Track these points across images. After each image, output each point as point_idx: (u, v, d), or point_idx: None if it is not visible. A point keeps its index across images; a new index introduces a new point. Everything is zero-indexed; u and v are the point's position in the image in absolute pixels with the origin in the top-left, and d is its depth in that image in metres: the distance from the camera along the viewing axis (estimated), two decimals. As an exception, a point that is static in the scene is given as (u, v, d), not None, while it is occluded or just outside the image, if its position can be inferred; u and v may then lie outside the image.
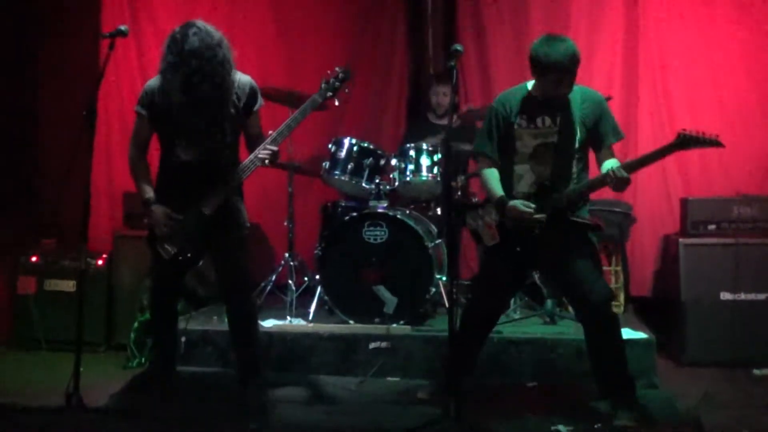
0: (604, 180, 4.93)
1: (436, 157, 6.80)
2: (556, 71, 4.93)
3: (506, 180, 5.20)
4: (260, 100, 5.39)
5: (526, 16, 7.77)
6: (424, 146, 6.84)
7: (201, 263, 5.70)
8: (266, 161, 5.23)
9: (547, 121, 5.11)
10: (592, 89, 5.30)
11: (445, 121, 7.43)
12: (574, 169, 5.12)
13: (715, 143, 4.73)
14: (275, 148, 5.24)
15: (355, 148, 6.91)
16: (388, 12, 8.32)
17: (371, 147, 6.96)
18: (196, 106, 5.08)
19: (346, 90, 5.52)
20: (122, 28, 5.31)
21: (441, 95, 7.58)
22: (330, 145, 7.00)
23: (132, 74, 7.93)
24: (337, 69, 5.50)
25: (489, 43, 7.94)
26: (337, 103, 5.59)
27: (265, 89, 6.30)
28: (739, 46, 7.34)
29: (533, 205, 5.01)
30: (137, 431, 4.99)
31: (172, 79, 5.07)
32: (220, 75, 5.08)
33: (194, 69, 5.00)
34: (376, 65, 8.27)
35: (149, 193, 5.27)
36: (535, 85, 5.16)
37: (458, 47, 5.18)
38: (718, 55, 7.38)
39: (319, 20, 8.26)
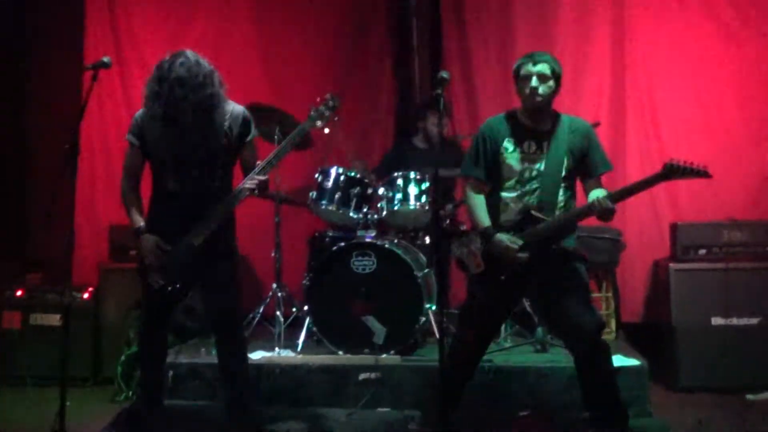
0: (590, 209, 4.91)
1: (424, 186, 6.76)
2: (523, 66, 5.03)
3: (492, 208, 5.17)
4: (254, 131, 5.35)
5: (512, 44, 7.75)
6: (412, 175, 6.80)
7: (189, 295, 5.66)
8: (255, 191, 5.19)
9: (533, 146, 5.10)
10: (580, 119, 5.31)
11: (431, 148, 7.42)
12: (561, 197, 5.10)
13: (702, 174, 4.73)
14: (263, 178, 5.20)
15: (341, 178, 6.87)
16: (374, 41, 8.31)
17: (358, 176, 6.92)
18: (181, 135, 5.05)
19: (336, 118, 5.48)
20: (105, 59, 5.25)
21: (430, 124, 7.52)
22: (317, 175, 6.95)
23: (116, 105, 7.89)
24: (326, 96, 5.46)
25: (475, 69, 7.93)
26: (326, 131, 5.53)
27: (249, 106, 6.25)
28: (726, 70, 7.38)
29: (520, 242, 4.98)
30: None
31: (155, 107, 5.03)
32: (207, 105, 5.04)
33: (178, 98, 4.96)
34: (363, 96, 8.26)
35: (140, 222, 5.21)
36: (521, 109, 5.17)
37: (444, 74, 5.16)
38: (705, 80, 7.41)
39: (305, 49, 8.24)
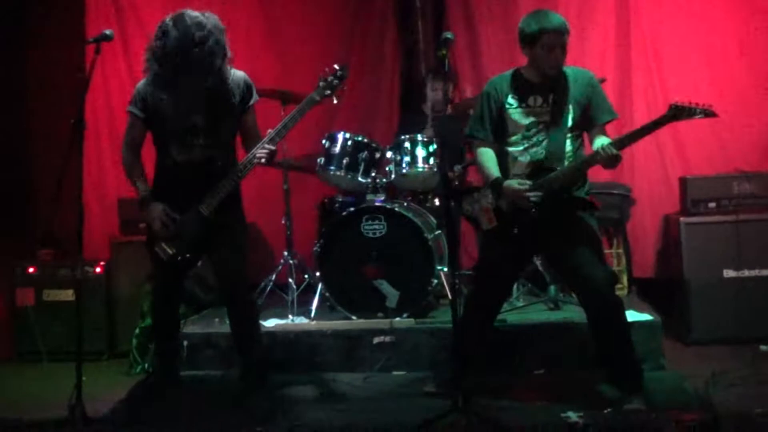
0: (594, 158, 4.90)
1: (432, 148, 6.73)
2: (546, 35, 4.96)
3: (501, 164, 5.18)
4: (255, 96, 5.36)
5: (515, 5, 7.69)
6: (419, 137, 6.77)
7: (200, 266, 5.66)
8: (263, 160, 5.18)
9: (539, 100, 5.11)
10: (583, 69, 5.31)
11: (439, 113, 7.40)
12: (569, 148, 5.10)
13: (708, 113, 4.69)
14: (273, 148, 5.20)
15: (349, 143, 6.84)
16: (377, 7, 8.24)
17: (365, 141, 6.89)
18: (186, 100, 5.07)
19: (344, 87, 5.45)
20: (107, 32, 5.24)
21: (432, 91, 7.51)
22: (324, 141, 6.92)
23: (120, 79, 7.86)
24: (335, 66, 5.41)
25: (479, 32, 7.89)
26: (335, 101, 5.50)
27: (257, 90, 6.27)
28: (732, 23, 7.32)
29: (528, 182, 4.98)
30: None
31: (159, 72, 5.08)
32: (209, 64, 5.05)
33: (180, 61, 4.99)
34: (367, 60, 8.20)
35: (146, 191, 5.23)
36: (527, 65, 5.18)
37: (449, 35, 5.18)
38: (711, 33, 7.37)
39: (308, 18, 8.19)
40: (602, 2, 7.56)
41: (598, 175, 7.04)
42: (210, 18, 5.12)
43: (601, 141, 4.97)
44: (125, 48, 7.85)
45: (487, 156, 5.21)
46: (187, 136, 5.17)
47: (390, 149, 6.87)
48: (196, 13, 5.10)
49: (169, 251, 5.19)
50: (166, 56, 5.04)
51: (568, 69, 5.15)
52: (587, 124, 5.14)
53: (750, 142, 7.26)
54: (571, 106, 5.06)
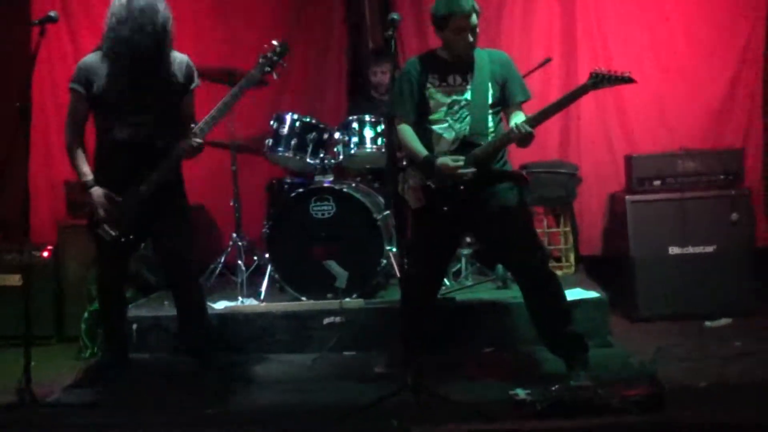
0: (508, 135, 4.98)
1: (380, 129, 6.74)
2: (454, 18, 5.03)
3: (425, 142, 5.21)
4: (197, 80, 5.34)
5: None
6: (367, 118, 6.78)
7: (146, 248, 5.64)
8: (190, 154, 5.22)
9: (458, 79, 5.19)
10: (499, 50, 5.46)
11: (386, 98, 7.41)
12: (491, 124, 5.18)
13: (627, 80, 4.83)
14: (200, 141, 5.19)
15: (297, 124, 6.83)
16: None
17: (313, 122, 6.89)
18: (131, 78, 5.07)
19: (284, 64, 5.45)
20: (52, 14, 5.22)
21: (380, 74, 7.52)
22: (272, 122, 6.91)
23: (66, 61, 7.75)
24: (274, 43, 5.43)
25: (426, 11, 7.85)
26: (275, 77, 5.51)
27: (203, 68, 6.24)
28: (677, 3, 7.37)
29: (462, 158, 5.02)
30: (92, 423, 4.90)
31: (108, 50, 5.08)
32: (157, 45, 5.06)
33: (129, 41, 4.99)
34: (314, 40, 8.16)
35: (88, 175, 5.20)
36: (442, 47, 5.26)
37: (395, 16, 5.17)
38: (655, 13, 7.41)
39: (255, -1, 8.16)
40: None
41: (545, 154, 7.13)
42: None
43: (517, 118, 5.09)
44: (70, 30, 7.76)
45: (410, 134, 5.24)
46: (129, 115, 5.14)
47: (338, 130, 6.87)
48: None
49: (112, 233, 5.15)
50: (116, 36, 5.03)
51: (484, 51, 5.25)
52: (503, 103, 5.22)
53: (694, 120, 7.34)
54: (489, 84, 5.15)
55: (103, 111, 5.21)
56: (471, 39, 5.10)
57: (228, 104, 5.28)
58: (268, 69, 5.40)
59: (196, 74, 5.35)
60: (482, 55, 5.21)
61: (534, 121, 4.91)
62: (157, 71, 5.14)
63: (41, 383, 5.20)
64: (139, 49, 5.03)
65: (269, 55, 5.40)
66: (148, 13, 5.02)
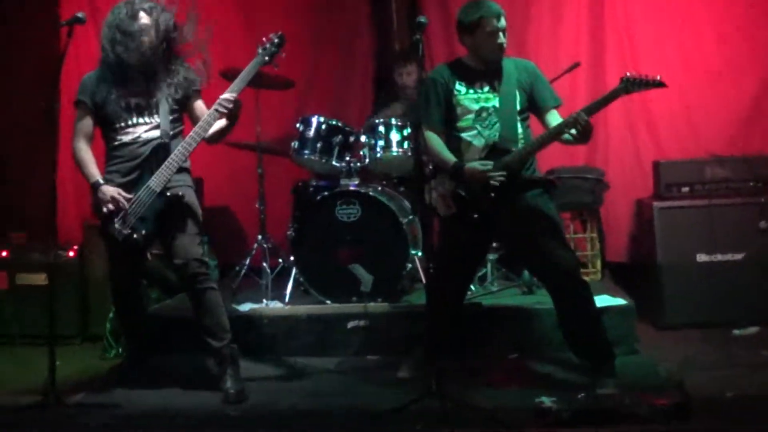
0: (565, 125, 4.92)
1: (406, 132, 6.71)
2: (487, 20, 5.08)
3: (454, 151, 5.21)
4: (199, 78, 5.50)
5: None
6: (393, 121, 6.75)
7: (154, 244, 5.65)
8: (224, 111, 5.21)
9: (485, 86, 5.20)
10: (525, 59, 5.49)
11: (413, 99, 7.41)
12: (520, 131, 5.17)
13: (658, 84, 4.80)
14: (235, 95, 5.22)
15: (323, 127, 6.81)
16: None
17: (339, 124, 6.87)
18: (131, 80, 5.28)
19: (283, 55, 5.47)
20: (79, 15, 5.30)
21: (405, 75, 7.50)
22: (298, 125, 6.89)
23: (93, 62, 7.74)
24: (270, 35, 5.47)
25: (453, 15, 7.82)
26: (275, 68, 5.52)
27: (231, 71, 6.26)
28: (705, 5, 7.32)
29: (491, 163, 5.01)
30: (115, 424, 4.91)
31: (107, 56, 5.29)
32: (150, 44, 5.25)
33: (113, 39, 5.23)
34: (341, 43, 8.17)
35: (96, 176, 5.27)
36: (468, 55, 5.29)
37: (423, 19, 5.17)
38: (684, 18, 7.35)
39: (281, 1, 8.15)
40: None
41: (572, 159, 7.09)
42: (140, 3, 5.31)
43: (554, 119, 5.11)
44: (98, 30, 7.74)
45: (438, 142, 5.25)
46: (131, 116, 5.26)
47: (364, 133, 6.85)
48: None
49: (124, 231, 5.17)
50: (110, 43, 5.25)
51: (510, 60, 5.27)
52: (536, 110, 5.24)
53: (722, 126, 7.27)
54: (517, 92, 5.16)
55: (108, 119, 5.31)
56: (503, 40, 5.13)
57: (236, 89, 5.31)
58: (267, 59, 5.42)
59: (200, 80, 5.46)
60: (508, 64, 5.22)
61: (589, 111, 4.87)
62: (155, 72, 5.29)
63: (66, 383, 5.23)
64: (133, 53, 5.21)
65: (268, 46, 5.44)
66: (131, 16, 5.23)
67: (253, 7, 8.08)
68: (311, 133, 6.80)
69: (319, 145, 6.77)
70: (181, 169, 5.30)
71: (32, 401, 5.06)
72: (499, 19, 5.10)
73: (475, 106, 5.17)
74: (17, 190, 7.76)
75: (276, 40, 5.43)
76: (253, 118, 5.42)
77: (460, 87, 5.21)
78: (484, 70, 5.21)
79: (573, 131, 4.89)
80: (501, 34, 5.12)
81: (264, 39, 5.45)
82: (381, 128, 6.74)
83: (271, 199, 7.30)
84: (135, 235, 5.17)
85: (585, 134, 4.91)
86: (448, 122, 5.25)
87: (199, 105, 5.47)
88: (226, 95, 5.20)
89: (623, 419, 4.39)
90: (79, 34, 5.45)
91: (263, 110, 6.20)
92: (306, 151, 6.79)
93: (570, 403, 4.62)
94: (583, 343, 5.15)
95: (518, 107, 5.15)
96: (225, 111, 5.18)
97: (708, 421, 4.42)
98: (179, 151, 5.22)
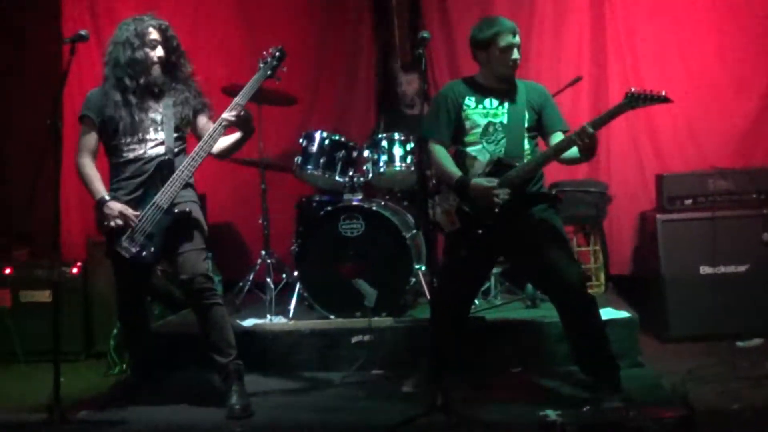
0: (570, 140, 4.89)
1: (409, 147, 6.74)
2: (501, 36, 5.13)
3: (460, 165, 5.23)
4: (202, 98, 5.54)
5: (491, 3, 7.71)
6: (396, 136, 6.78)
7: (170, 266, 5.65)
8: (232, 120, 5.23)
9: (495, 102, 5.22)
10: (535, 82, 5.50)
11: (414, 112, 7.42)
12: (527, 147, 5.20)
13: (662, 99, 4.79)
14: (242, 104, 5.26)
15: (326, 142, 6.83)
16: (352, 5, 8.25)
17: (343, 140, 6.89)
18: (135, 98, 5.31)
19: (284, 68, 5.49)
20: (82, 33, 5.33)
21: (405, 84, 7.56)
22: (301, 140, 6.91)
23: (96, 79, 7.78)
24: (271, 50, 5.49)
25: (455, 30, 7.87)
26: (277, 81, 5.54)
27: (233, 87, 6.29)
28: (707, 20, 7.35)
29: (496, 179, 5.02)
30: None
31: (110, 75, 5.34)
32: (146, 61, 5.29)
33: (121, 55, 5.30)
34: (343, 58, 8.21)
35: (102, 192, 5.28)
36: (480, 72, 5.32)
37: (425, 34, 5.20)
38: (686, 31, 7.38)
39: (283, 14, 8.17)
40: (577, 3, 7.58)
41: (575, 172, 7.10)
42: (149, 20, 5.37)
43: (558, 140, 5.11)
44: (100, 47, 7.76)
45: (444, 155, 5.26)
46: (137, 132, 5.28)
47: (367, 148, 6.87)
48: (142, 15, 5.39)
49: (133, 249, 5.18)
50: (113, 59, 5.33)
51: (520, 81, 5.32)
52: (543, 132, 5.27)
53: (724, 139, 7.29)
54: (526, 110, 5.20)
55: (113, 135, 5.33)
56: (517, 56, 5.17)
57: (251, 89, 5.37)
58: (269, 73, 5.43)
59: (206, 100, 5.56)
60: (520, 84, 5.27)
61: (595, 125, 4.83)
62: (162, 92, 5.34)
63: (70, 399, 5.23)
64: (140, 70, 5.27)
65: (269, 60, 5.45)
66: (141, 31, 5.28)
67: (255, 24, 8.10)
68: (314, 148, 6.82)
69: (322, 160, 6.79)
70: (186, 185, 5.32)
71: (37, 418, 5.07)
72: (513, 35, 5.15)
73: (483, 121, 5.19)
74: (20, 208, 7.76)
75: (277, 54, 5.45)
76: (255, 134, 5.43)
77: (469, 102, 5.24)
78: (496, 88, 5.24)
79: (578, 145, 4.87)
80: (515, 49, 5.16)
81: (264, 53, 5.48)
82: (384, 143, 6.77)
83: (274, 215, 7.32)
84: (144, 253, 5.18)
85: (590, 149, 4.89)
86: (456, 137, 5.28)
87: (205, 121, 5.49)
88: (229, 111, 5.23)
89: (628, 432, 4.40)
90: (81, 50, 5.49)
91: (266, 126, 6.23)
92: (309, 167, 6.80)
93: (575, 417, 4.63)
94: (588, 356, 5.15)
95: (527, 125, 5.18)
96: (233, 119, 5.21)
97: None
98: (185, 166, 5.24)
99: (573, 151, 4.98)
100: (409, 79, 7.52)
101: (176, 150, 5.35)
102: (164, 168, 5.25)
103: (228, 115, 5.22)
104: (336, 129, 7.25)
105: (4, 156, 8.24)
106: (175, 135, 5.36)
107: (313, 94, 8.02)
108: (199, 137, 5.42)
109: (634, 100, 4.77)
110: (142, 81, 5.29)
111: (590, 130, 4.79)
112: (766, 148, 7.25)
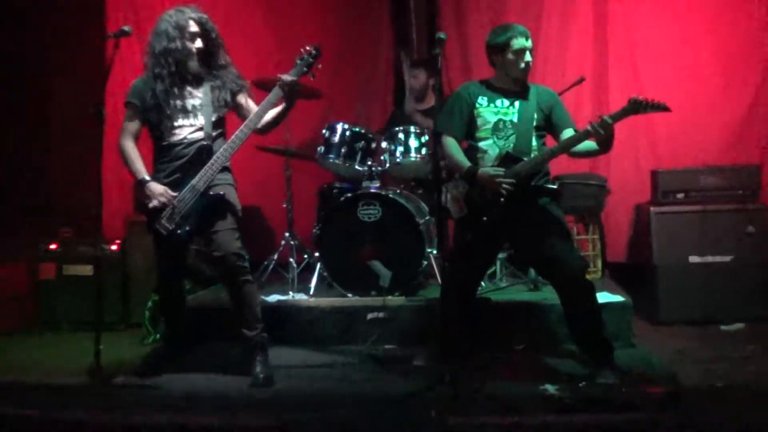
0: (587, 132, 4.87)
1: (424, 139, 6.79)
2: (515, 40, 5.16)
3: (471, 159, 5.26)
4: (241, 81, 5.53)
5: (503, 7, 7.73)
6: (412, 129, 6.82)
7: (201, 244, 5.68)
8: (287, 88, 5.27)
9: (506, 102, 5.26)
10: (546, 86, 5.53)
11: (423, 105, 7.46)
12: (535, 144, 5.23)
13: (663, 108, 4.80)
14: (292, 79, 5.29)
15: (347, 133, 6.87)
16: (371, 3, 8.29)
17: (362, 131, 6.93)
18: (176, 84, 5.31)
19: (319, 66, 5.47)
20: (125, 28, 5.37)
21: (412, 78, 7.61)
22: (324, 131, 6.96)
23: (137, 71, 7.83)
24: (308, 47, 5.44)
25: (469, 32, 7.88)
26: (312, 78, 5.51)
27: (260, 80, 6.35)
28: (702, 24, 7.34)
29: (502, 170, 5.06)
30: (153, 404, 4.95)
31: (152, 65, 5.34)
32: (187, 51, 5.29)
33: (162, 46, 5.28)
34: (363, 57, 8.23)
35: (143, 173, 5.31)
36: (495, 75, 5.36)
37: (442, 35, 5.22)
38: (682, 34, 7.38)
39: (309, 9, 8.20)
40: (582, 5, 7.59)
41: (576, 166, 7.11)
42: (190, 12, 5.35)
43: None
44: (141, 41, 7.77)
45: (455, 146, 5.29)
46: (177, 118, 5.30)
47: (385, 139, 6.92)
48: (183, 7, 5.36)
49: (169, 227, 5.23)
50: (161, 46, 5.29)
51: (531, 85, 5.35)
52: (551, 129, 5.30)
53: (716, 138, 7.30)
54: (536, 110, 5.23)
55: (156, 121, 5.34)
56: (530, 59, 5.21)
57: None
58: (305, 70, 5.41)
59: (239, 76, 5.53)
60: (531, 87, 5.32)
61: (614, 118, 4.80)
62: (202, 79, 5.35)
63: (109, 366, 5.28)
64: (181, 60, 5.27)
65: (305, 57, 5.42)
66: (181, 23, 5.27)
67: (282, 22, 8.12)
68: (336, 138, 6.87)
69: (343, 150, 6.83)
70: (223, 169, 5.34)
71: (80, 381, 5.17)
72: (526, 39, 5.18)
73: (494, 118, 5.23)
74: (65, 190, 7.83)
75: (314, 52, 5.43)
76: (282, 125, 5.45)
77: (482, 101, 5.27)
78: (509, 90, 5.29)
79: (600, 133, 4.82)
80: (527, 53, 5.19)
81: (302, 50, 5.45)
82: (401, 135, 6.81)
83: (297, 200, 7.42)
84: (179, 231, 5.22)
85: (608, 139, 4.89)
86: (469, 132, 5.32)
87: (245, 100, 5.49)
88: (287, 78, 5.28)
89: (621, 406, 4.41)
90: (123, 44, 5.52)
91: (292, 118, 6.23)
92: (331, 156, 6.85)
93: (572, 391, 4.66)
94: (585, 337, 5.19)
95: (535, 123, 5.22)
96: (292, 81, 5.26)
97: (698, 409, 4.44)
98: (225, 149, 5.28)
99: (589, 144, 5.02)
100: (414, 73, 7.56)
101: (215, 135, 5.35)
102: (203, 152, 5.27)
103: (287, 77, 5.25)
104: (356, 121, 7.28)
105: (52, 143, 8.30)
106: (214, 120, 5.36)
107: (335, 89, 8.04)
108: (243, 117, 5.43)
109: (638, 106, 4.77)
110: (180, 70, 5.30)
111: (609, 120, 4.79)
112: (755, 146, 7.25)
